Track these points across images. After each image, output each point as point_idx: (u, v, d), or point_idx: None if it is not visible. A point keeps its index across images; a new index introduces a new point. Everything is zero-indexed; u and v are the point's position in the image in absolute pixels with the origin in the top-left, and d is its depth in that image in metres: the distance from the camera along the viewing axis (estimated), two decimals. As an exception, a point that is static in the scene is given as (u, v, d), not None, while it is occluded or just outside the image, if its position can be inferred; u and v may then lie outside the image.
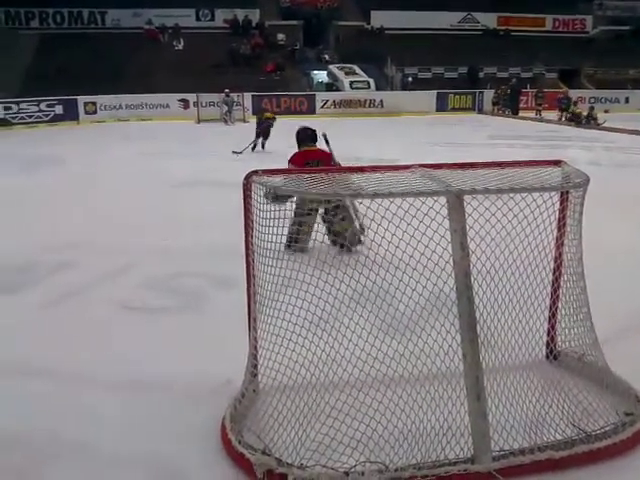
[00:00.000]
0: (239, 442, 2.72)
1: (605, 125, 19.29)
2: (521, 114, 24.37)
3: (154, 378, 3.46)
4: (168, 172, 10.63)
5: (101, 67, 22.76)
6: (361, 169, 3.02)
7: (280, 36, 29.19)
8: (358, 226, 4.66)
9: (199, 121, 21.81)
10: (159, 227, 6.83)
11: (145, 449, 2.83)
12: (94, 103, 22.56)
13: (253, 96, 24.04)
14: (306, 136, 6.12)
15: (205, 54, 25.53)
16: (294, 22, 30.24)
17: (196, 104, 22.72)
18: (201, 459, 2.76)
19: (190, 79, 23.25)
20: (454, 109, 26.15)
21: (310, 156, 5.77)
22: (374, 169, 3.01)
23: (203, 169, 11.08)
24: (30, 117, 21.36)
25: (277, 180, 2.85)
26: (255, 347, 3.03)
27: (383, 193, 2.55)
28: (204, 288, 4.91)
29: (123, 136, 17.57)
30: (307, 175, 2.86)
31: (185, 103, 23.44)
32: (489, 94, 26.04)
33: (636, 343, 3.85)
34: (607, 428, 2.81)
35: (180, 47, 27.65)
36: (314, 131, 6.18)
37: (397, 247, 2.76)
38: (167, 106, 23.33)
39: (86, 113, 22.42)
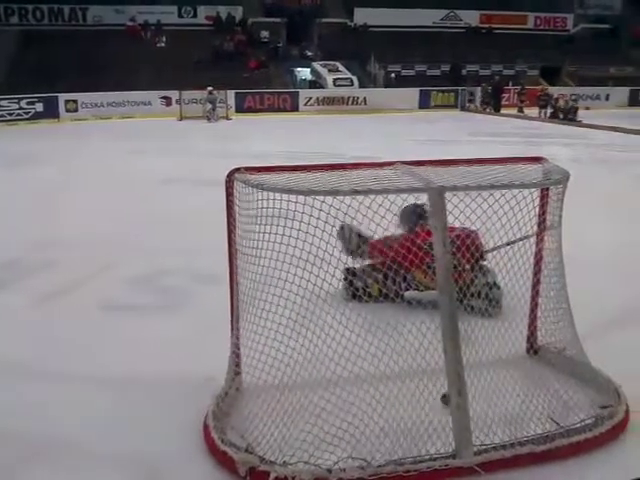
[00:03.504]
0: (222, 440, 2.71)
1: (585, 122, 19.49)
2: (503, 111, 24.56)
3: (136, 376, 3.44)
4: (151, 170, 10.57)
5: (82, 64, 22.52)
6: (342, 166, 3.03)
7: (263, 33, 29.12)
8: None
9: (182, 118, 21.69)
10: (142, 225, 6.79)
11: (127, 447, 2.82)
12: (75, 101, 22.34)
13: (236, 93, 23.98)
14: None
15: (188, 51, 25.36)
16: (277, 19, 30.16)
17: (179, 101, 22.61)
18: (184, 457, 2.76)
19: (172, 76, 23.10)
20: (437, 106, 26.26)
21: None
22: (355, 166, 3.02)
23: (186, 166, 11.02)
24: (10, 115, 21.14)
25: (265, 178, 2.83)
26: (238, 345, 3.02)
27: (362, 190, 2.56)
28: (187, 286, 4.90)
29: (105, 134, 17.42)
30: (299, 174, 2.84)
31: (167, 100, 23.30)
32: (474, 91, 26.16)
33: (616, 338, 3.89)
34: (587, 421, 2.85)
35: (162, 44, 27.46)
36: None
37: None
38: (149, 103, 23.17)
39: (67, 111, 22.20)
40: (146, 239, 6.20)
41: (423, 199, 2.69)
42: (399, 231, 3.97)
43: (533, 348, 3.57)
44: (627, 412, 2.93)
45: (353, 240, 4.07)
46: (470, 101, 25.91)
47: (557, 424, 2.82)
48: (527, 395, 2.98)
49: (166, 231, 6.51)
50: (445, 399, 2.80)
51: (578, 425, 2.81)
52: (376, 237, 3.33)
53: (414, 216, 3.94)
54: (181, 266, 5.31)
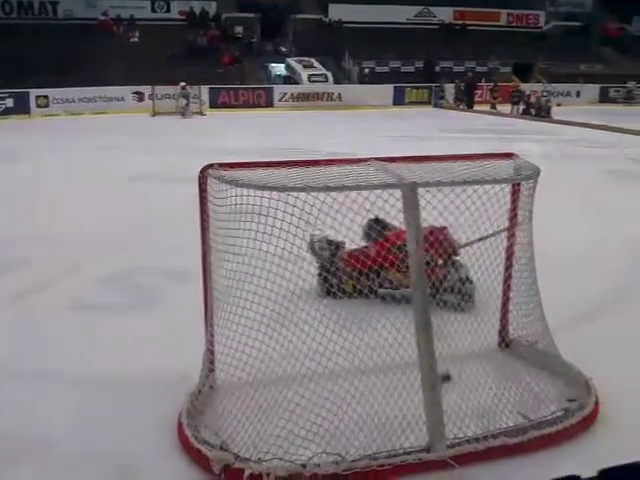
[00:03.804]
0: (196, 438, 2.71)
1: (556, 118, 19.77)
2: (476, 108, 24.76)
3: (110, 375, 3.41)
4: (124, 166, 10.45)
5: (53, 59, 22.14)
6: (316, 162, 3.03)
7: (237, 29, 28.95)
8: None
9: (155, 114, 21.47)
10: (115, 222, 6.71)
11: (101, 446, 2.80)
12: (46, 96, 21.96)
13: (210, 89, 23.81)
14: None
15: (161, 46, 25.10)
16: (251, 14, 30.00)
17: (152, 97, 22.35)
18: (158, 456, 2.74)
19: (145, 71, 22.85)
20: (411, 103, 26.37)
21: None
22: (329, 162, 3.02)
23: (159, 163, 10.92)
24: (-21, 110, 20.73)
25: (238, 174, 2.82)
26: (212, 343, 3.01)
27: (336, 186, 2.56)
28: (160, 284, 4.86)
29: (77, 130, 17.18)
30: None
31: (140, 96, 23.04)
32: (448, 88, 26.29)
33: (586, 331, 3.96)
34: (558, 414, 2.90)
35: (135, 39, 27.14)
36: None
37: (352, 241, 2.78)
38: (122, 99, 22.89)
39: (38, 106, 21.81)
40: (119, 236, 6.14)
41: (397, 196, 2.70)
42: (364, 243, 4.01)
43: (505, 342, 3.61)
44: (597, 404, 2.98)
45: (325, 252, 4.13)
46: (441, 98, 26.07)
47: (527, 418, 2.85)
48: (499, 388, 3.01)
49: (139, 228, 6.45)
50: (444, 378, 2.86)
51: (549, 417, 2.86)
52: (352, 246, 3.35)
53: (374, 232, 3.94)
54: (154, 264, 5.27)
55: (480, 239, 3.28)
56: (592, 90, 28.67)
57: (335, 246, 4.08)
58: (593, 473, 1.38)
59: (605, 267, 5.18)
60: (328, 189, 2.56)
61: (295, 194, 2.62)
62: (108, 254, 5.59)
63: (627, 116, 20.13)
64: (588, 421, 2.89)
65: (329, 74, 26.26)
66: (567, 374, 3.23)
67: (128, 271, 5.18)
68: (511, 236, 3.38)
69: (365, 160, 3.00)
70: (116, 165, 10.66)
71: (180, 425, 2.83)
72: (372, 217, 3.04)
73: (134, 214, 7.06)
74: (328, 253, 4.11)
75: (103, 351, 3.71)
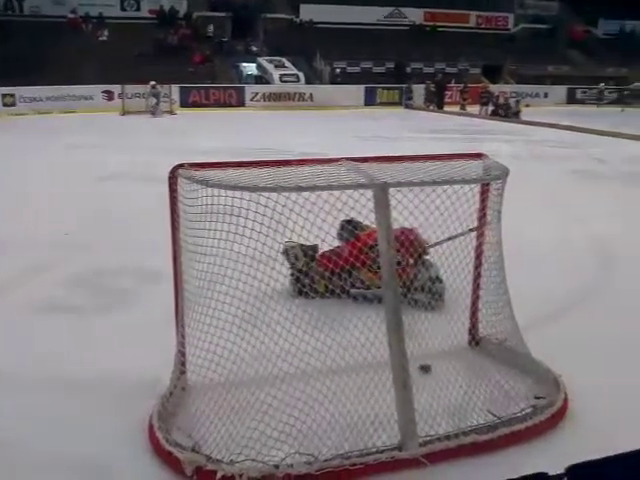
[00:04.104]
0: (167, 440, 2.68)
1: (524, 119, 20.08)
2: (446, 108, 25.01)
3: (79, 378, 3.36)
4: (93, 165, 10.31)
5: (20, 57, 21.74)
6: (288, 162, 3.03)
7: (209, 28, 28.78)
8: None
9: (125, 113, 21.24)
10: (83, 222, 6.61)
11: (71, 450, 2.76)
12: (12, 95, 21.55)
13: (181, 88, 23.64)
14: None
15: (130, 45, 24.85)
16: (222, 14, 29.85)
17: (121, 96, 22.11)
18: (129, 459, 2.71)
19: (115, 70, 22.58)
20: (382, 103, 26.52)
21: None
22: (301, 162, 3.02)
23: (129, 162, 10.79)
24: (-57, 109, 20.25)
25: (209, 174, 2.80)
26: (183, 344, 2.99)
27: (308, 186, 2.56)
28: (130, 285, 4.81)
29: (45, 129, 16.89)
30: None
31: (110, 95, 22.77)
32: (418, 89, 26.47)
33: (555, 329, 4.02)
34: (528, 410, 2.94)
35: (104, 37, 26.79)
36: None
37: (323, 241, 2.78)
38: (91, 98, 22.58)
39: (4, 105, 21.39)
40: (87, 237, 6.04)
41: (369, 196, 2.71)
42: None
43: (475, 340, 3.65)
44: (566, 401, 3.03)
45: (300, 259, 4.13)
46: (409, 99, 26.19)
47: (496, 416, 2.89)
48: (469, 386, 3.05)
49: (108, 229, 6.36)
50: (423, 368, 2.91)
51: (519, 414, 2.90)
52: (325, 248, 3.36)
53: (346, 232, 3.97)
54: (124, 265, 5.20)
55: (449, 238, 3.31)
56: (560, 91, 29.20)
57: (311, 256, 4.09)
58: (561, 470, 1.41)
59: (571, 266, 5.27)
60: (300, 189, 2.56)
61: (266, 194, 2.61)
62: (77, 255, 5.51)
63: (593, 117, 20.54)
64: (557, 418, 2.94)
65: (301, 74, 26.27)
66: (536, 371, 3.28)
67: (97, 272, 5.10)
68: (480, 235, 3.42)
69: (336, 160, 3.01)
70: (85, 165, 10.50)
71: (151, 427, 2.80)
72: (345, 218, 3.05)
73: (103, 214, 6.97)
74: (303, 260, 4.12)
75: (71, 353, 3.65)
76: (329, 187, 2.63)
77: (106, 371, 3.39)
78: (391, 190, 2.69)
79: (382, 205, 2.67)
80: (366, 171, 2.84)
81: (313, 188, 2.60)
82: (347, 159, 3.02)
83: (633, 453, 1.37)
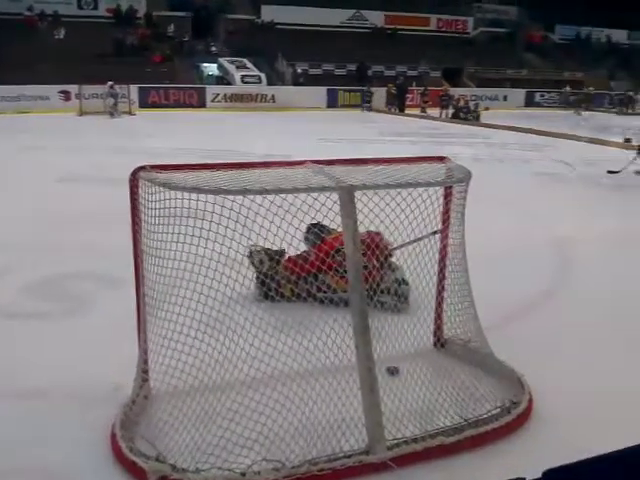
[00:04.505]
0: (130, 450, 2.62)
1: (484, 121, 20.41)
2: (407, 111, 25.24)
3: (38, 386, 3.25)
4: (49, 167, 10.05)
5: (-29, 55, 21.16)
6: (252, 165, 2.99)
7: (169, 27, 28.44)
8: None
9: (82, 114, 20.82)
10: (40, 226, 6.43)
11: (29, 460, 2.67)
12: (-36, 94, 20.96)
13: (140, 88, 23.29)
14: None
15: (88, 44, 24.34)
16: (182, 13, 29.55)
17: (78, 96, 21.66)
18: (91, 469, 2.63)
19: (72, 70, 22.10)
20: (344, 106, 26.62)
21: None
22: (266, 165, 2.99)
23: (87, 164, 10.56)
24: None
25: (172, 176, 2.74)
26: (145, 351, 2.92)
27: (273, 189, 2.54)
28: (89, 290, 4.68)
29: (-1, 129, 16.44)
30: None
31: (66, 95, 22.32)
32: (380, 92, 26.59)
33: (517, 329, 4.07)
34: (494, 412, 2.96)
35: (61, 36, 26.22)
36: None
37: (290, 244, 2.76)
38: (47, 98, 22.07)
39: (-45, 104, 20.80)
40: (44, 241, 5.86)
41: (334, 199, 2.70)
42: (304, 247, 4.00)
43: (440, 341, 3.67)
44: (530, 401, 3.07)
45: (265, 263, 4.09)
46: (367, 102, 26.26)
47: (463, 418, 2.90)
48: (436, 388, 3.06)
49: (66, 232, 6.18)
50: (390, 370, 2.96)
51: (485, 416, 2.92)
52: (291, 251, 3.34)
53: (312, 235, 3.98)
54: (83, 269, 5.08)
55: (413, 241, 3.32)
56: (518, 94, 29.79)
57: (276, 260, 4.05)
58: (538, 474, 1.41)
59: (531, 267, 5.35)
60: (265, 192, 2.53)
61: (231, 197, 2.57)
62: (33, 260, 5.34)
63: (552, 120, 20.99)
64: (522, 418, 2.96)
65: (262, 75, 26.20)
66: (501, 372, 3.31)
67: (55, 278, 4.96)
68: (444, 238, 3.44)
69: (301, 163, 2.99)
70: (40, 166, 10.23)
71: (114, 436, 2.73)
72: (312, 222, 3.03)
73: (59, 217, 6.76)
74: (268, 264, 4.08)
75: (30, 360, 3.53)
76: (295, 190, 2.61)
77: (65, 379, 3.30)
78: (357, 193, 2.69)
79: (348, 208, 2.66)
80: (332, 174, 2.82)
81: (279, 191, 2.57)
82: (312, 162, 3.00)
83: (609, 455, 1.38)
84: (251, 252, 3.94)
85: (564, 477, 1.36)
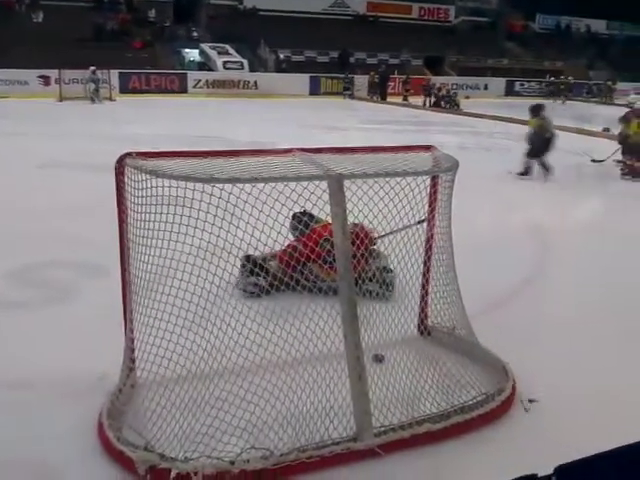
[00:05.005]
0: (118, 439, 2.61)
1: (466, 110, 20.46)
2: (389, 99, 25.21)
3: (22, 376, 3.22)
4: (28, 154, 9.89)
5: (-53, 38, 20.70)
6: (240, 152, 2.97)
7: (150, 12, 28.04)
8: None
9: (62, 99, 20.49)
10: (21, 213, 6.33)
11: (15, 453, 2.65)
12: (-61, 78, 20.52)
13: (120, 73, 22.98)
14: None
15: (68, 28, 23.91)
16: (163, -2, 29.16)
17: (58, 81, 21.31)
18: (78, 459, 2.62)
19: (51, 54, 21.70)
20: (327, 93, 26.51)
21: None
22: (253, 153, 2.98)
23: (69, 150, 10.42)
24: None
25: (158, 164, 2.71)
26: (132, 340, 2.90)
27: (263, 178, 2.52)
28: (74, 279, 4.63)
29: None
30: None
31: (46, 80, 21.91)
32: (361, 80, 26.49)
33: (501, 317, 4.11)
34: (479, 398, 2.99)
35: (40, 20, 25.73)
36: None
37: (279, 233, 2.75)
38: (26, 83, 21.69)
39: None
40: (25, 228, 5.77)
41: (323, 187, 2.69)
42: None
43: (426, 329, 3.70)
44: (514, 388, 3.11)
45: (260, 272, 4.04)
46: (347, 89, 26.14)
47: (449, 404, 2.93)
48: (422, 375, 3.08)
49: (48, 220, 6.09)
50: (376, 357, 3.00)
51: (470, 402, 2.95)
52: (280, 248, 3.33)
53: (301, 224, 3.96)
54: (67, 258, 5.02)
55: (398, 230, 3.32)
56: (499, 83, 29.87)
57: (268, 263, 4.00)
58: (536, 471, 1.42)
59: (518, 257, 5.40)
60: (254, 180, 2.52)
61: (220, 185, 2.55)
62: (14, 248, 5.26)
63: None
64: (507, 405, 3.00)
65: (245, 62, 25.97)
66: (485, 359, 3.34)
67: (38, 266, 4.90)
68: (431, 227, 3.45)
69: (289, 151, 2.98)
70: (20, 153, 10.07)
71: (101, 426, 2.72)
72: (299, 210, 3.02)
73: (44, 204, 6.68)
74: (262, 271, 4.00)
75: (13, 350, 3.50)
76: (284, 179, 2.60)
77: (51, 369, 3.27)
78: (345, 182, 2.68)
79: (337, 197, 2.65)
80: (320, 162, 2.82)
81: (268, 180, 2.56)
82: (299, 150, 2.99)
83: (622, 449, 1.38)
84: (244, 264, 3.89)
85: (576, 472, 1.36)
